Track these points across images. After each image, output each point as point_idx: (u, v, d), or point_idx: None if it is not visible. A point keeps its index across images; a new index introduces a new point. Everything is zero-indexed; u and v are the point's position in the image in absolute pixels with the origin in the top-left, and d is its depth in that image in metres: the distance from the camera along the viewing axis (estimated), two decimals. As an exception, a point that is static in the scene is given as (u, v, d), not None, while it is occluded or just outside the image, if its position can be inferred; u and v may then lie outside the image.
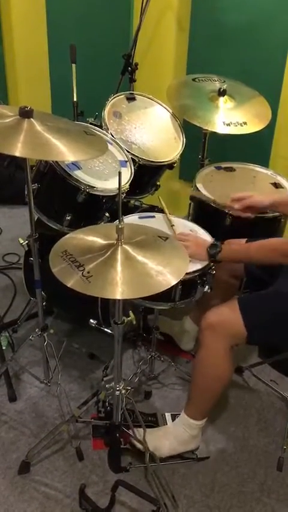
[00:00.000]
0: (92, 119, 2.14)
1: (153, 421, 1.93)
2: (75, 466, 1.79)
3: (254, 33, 2.51)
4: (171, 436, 1.80)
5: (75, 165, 1.85)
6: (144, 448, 1.72)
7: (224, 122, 2.19)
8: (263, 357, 2.27)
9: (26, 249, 1.96)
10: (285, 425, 1.91)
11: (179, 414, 1.81)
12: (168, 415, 1.94)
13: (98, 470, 1.77)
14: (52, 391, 2.05)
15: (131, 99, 2.26)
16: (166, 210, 1.98)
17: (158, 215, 2.01)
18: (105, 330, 2.03)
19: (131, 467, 1.77)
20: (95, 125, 2.08)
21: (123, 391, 1.67)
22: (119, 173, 1.34)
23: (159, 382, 2.14)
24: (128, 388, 1.70)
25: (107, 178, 1.90)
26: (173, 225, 1.91)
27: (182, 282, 1.67)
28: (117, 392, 1.66)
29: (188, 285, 1.74)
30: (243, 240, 1.85)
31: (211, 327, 1.65)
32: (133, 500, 1.68)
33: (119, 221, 1.36)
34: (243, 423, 2.00)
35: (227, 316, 1.64)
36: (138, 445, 1.76)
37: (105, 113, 2.12)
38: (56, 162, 1.79)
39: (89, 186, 1.80)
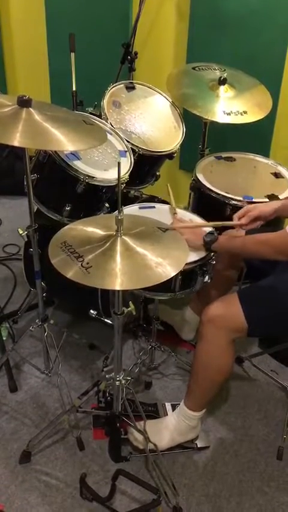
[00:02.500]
0: (91, 109, 2.12)
1: (154, 411, 1.93)
2: (75, 456, 1.80)
3: (255, 22, 2.48)
4: (170, 427, 1.80)
5: (75, 155, 1.84)
6: (144, 437, 1.73)
7: (224, 111, 2.17)
8: (263, 347, 2.28)
9: (26, 239, 1.96)
10: (285, 415, 1.91)
11: (179, 404, 1.82)
12: (168, 405, 1.95)
13: (98, 460, 1.79)
14: (53, 382, 2.06)
15: (130, 88, 2.24)
16: (172, 199, 1.96)
17: (158, 205, 2.01)
18: (106, 320, 2.04)
19: (131, 457, 1.78)
20: (94, 115, 2.07)
21: (123, 382, 1.68)
22: (119, 163, 1.33)
23: (159, 372, 2.15)
24: (128, 378, 1.71)
25: (106, 168, 1.89)
26: (175, 213, 1.90)
27: (182, 273, 1.66)
28: (118, 383, 1.67)
29: (188, 276, 1.74)
30: (243, 232, 1.84)
31: (212, 321, 1.65)
32: (134, 489, 1.69)
33: (119, 212, 1.36)
34: (243, 413, 2.00)
35: (228, 309, 1.64)
36: (138, 437, 1.76)
37: (105, 102, 2.10)
38: (55, 152, 1.78)
39: (88, 176, 1.79)
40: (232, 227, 1.83)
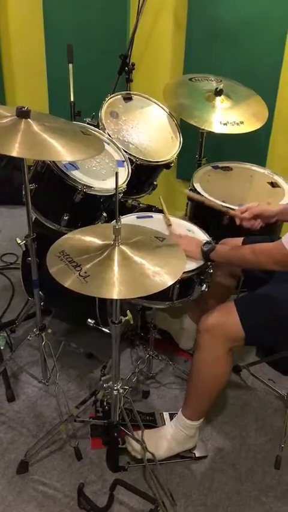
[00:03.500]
0: (89, 119, 2.14)
1: (152, 420, 1.93)
2: (73, 466, 1.79)
3: (250, 33, 2.51)
4: (168, 436, 1.80)
5: (73, 165, 1.86)
6: (142, 447, 1.73)
7: (220, 122, 2.19)
8: (261, 356, 2.28)
9: (24, 249, 1.97)
10: (283, 424, 1.92)
11: (177, 413, 1.82)
12: (166, 414, 1.95)
13: (96, 470, 1.78)
14: (50, 391, 2.05)
15: (127, 99, 2.26)
16: (165, 210, 1.98)
17: (156, 215, 2.02)
18: (103, 329, 2.04)
19: (129, 467, 1.78)
20: (92, 125, 2.09)
21: (121, 391, 1.68)
22: (116, 173, 1.35)
23: (157, 381, 2.15)
24: (126, 387, 1.71)
25: (104, 178, 1.90)
26: (170, 225, 1.92)
27: (180, 281, 1.67)
28: (115, 392, 1.67)
29: (185, 284, 1.75)
30: (240, 240, 1.85)
31: (209, 330, 1.65)
32: (132, 499, 1.68)
33: (116, 221, 1.37)
34: (240, 422, 2.00)
35: (225, 318, 1.64)
36: (136, 446, 1.76)
37: (102, 112, 2.12)
38: (53, 162, 1.80)
39: (86, 186, 1.80)
40: (229, 236, 1.85)
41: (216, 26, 2.58)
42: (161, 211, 2.10)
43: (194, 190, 2.15)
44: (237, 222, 1.84)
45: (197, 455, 1.84)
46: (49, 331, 2.01)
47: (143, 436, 1.75)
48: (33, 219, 1.81)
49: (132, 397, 2.00)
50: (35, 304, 1.94)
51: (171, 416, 1.90)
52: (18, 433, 1.89)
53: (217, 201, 2.00)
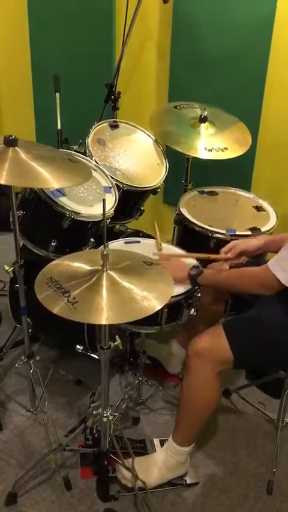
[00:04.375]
0: (76, 146, 2.17)
1: (142, 447, 1.91)
2: (63, 496, 1.75)
3: (233, 62, 2.58)
4: (159, 463, 1.78)
5: (60, 191, 1.87)
6: (133, 475, 1.70)
7: (205, 148, 2.23)
8: (250, 379, 2.28)
9: (12, 275, 1.96)
10: (274, 448, 1.90)
11: (168, 439, 1.80)
12: (156, 441, 1.92)
13: (86, 500, 1.75)
14: (39, 420, 2.02)
15: (114, 126, 2.30)
16: (158, 236, 2.00)
17: (144, 240, 2.04)
18: (92, 355, 2.02)
19: (120, 496, 1.74)
20: (79, 152, 2.11)
21: (110, 418, 1.66)
22: (104, 199, 1.36)
23: (147, 407, 2.13)
24: (115, 414, 1.69)
25: (91, 204, 1.92)
26: (161, 249, 1.93)
27: (168, 306, 1.68)
28: (105, 419, 1.65)
29: (174, 308, 1.75)
30: (227, 266, 1.87)
31: (198, 354, 1.65)
32: (122, 530, 1.65)
33: (104, 247, 1.38)
34: (231, 447, 1.99)
35: (214, 342, 1.65)
36: (126, 475, 1.74)
37: (89, 140, 2.15)
38: (41, 189, 1.81)
39: (74, 212, 1.82)
40: (217, 260, 1.86)
41: (199, 56, 2.65)
42: (148, 235, 2.13)
43: (181, 214, 2.17)
44: (224, 265, 1.85)
45: (188, 482, 1.81)
46: (37, 358, 1.99)
47: (134, 464, 1.73)
48: (21, 245, 1.82)
49: (122, 423, 1.98)
50: (23, 331, 1.93)
51: (162, 442, 1.88)
52: (6, 463, 1.85)
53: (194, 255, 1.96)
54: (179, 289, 1.73)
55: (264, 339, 1.63)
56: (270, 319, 1.65)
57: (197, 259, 1.91)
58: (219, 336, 1.64)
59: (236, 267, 1.83)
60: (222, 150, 2.24)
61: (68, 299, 1.31)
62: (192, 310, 1.78)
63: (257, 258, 1.88)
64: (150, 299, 1.34)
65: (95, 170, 2.05)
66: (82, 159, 2.03)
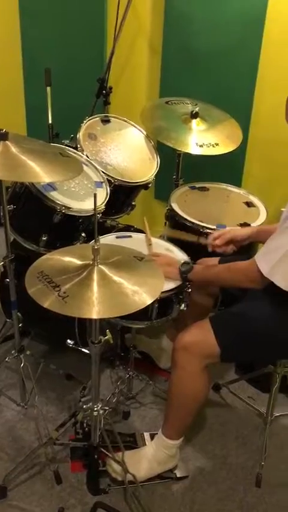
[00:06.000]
0: (68, 141, 2.16)
1: (132, 441, 1.92)
2: (53, 490, 1.76)
3: (225, 58, 2.59)
4: (149, 457, 1.79)
5: (51, 186, 1.87)
6: (123, 468, 1.71)
7: (196, 143, 2.24)
8: (240, 374, 2.30)
9: (2, 270, 1.96)
10: (263, 442, 1.92)
11: (158, 433, 1.81)
12: (147, 435, 1.94)
13: (76, 493, 1.75)
14: (29, 414, 2.03)
15: (105, 121, 2.30)
16: (148, 231, 2.01)
17: (135, 235, 2.04)
18: (83, 349, 2.03)
19: (110, 489, 1.76)
20: (71, 147, 2.11)
21: (101, 412, 1.67)
22: (95, 194, 1.37)
23: (137, 401, 2.14)
24: (106, 408, 1.70)
25: (83, 199, 1.92)
26: (150, 244, 1.94)
27: (159, 301, 1.68)
28: (95, 413, 1.66)
29: (164, 304, 1.76)
30: (217, 260, 1.88)
31: (184, 348, 1.66)
32: (112, 523, 1.66)
33: (95, 242, 1.38)
34: (221, 440, 2.00)
35: (200, 336, 1.66)
36: (116, 468, 1.75)
37: (81, 134, 2.15)
38: (32, 183, 1.81)
39: (65, 206, 1.82)
40: (206, 255, 1.87)
41: (190, 52, 2.65)
42: (139, 230, 2.13)
43: (172, 210, 2.18)
44: (210, 249, 1.87)
45: (178, 476, 1.83)
46: (28, 352, 1.99)
47: (124, 458, 1.73)
48: (11, 239, 1.81)
49: (113, 418, 1.99)
50: (13, 326, 1.92)
51: (152, 436, 1.89)
52: (-4, 457, 1.86)
53: (189, 232, 2.01)
54: (169, 285, 1.74)
55: (251, 333, 1.64)
56: (257, 314, 1.66)
57: (188, 247, 1.91)
58: (206, 329, 1.65)
59: (223, 255, 1.85)
60: (213, 145, 2.25)
61: (58, 293, 1.31)
62: (183, 305, 1.79)
63: (248, 250, 1.89)
64: (141, 293, 1.35)
65: (86, 165, 2.05)
66: (73, 154, 2.03)
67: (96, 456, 1.72)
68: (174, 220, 2.18)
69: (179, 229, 2.14)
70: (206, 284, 1.92)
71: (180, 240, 1.98)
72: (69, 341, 2.03)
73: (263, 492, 1.82)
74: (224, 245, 1.84)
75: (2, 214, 1.74)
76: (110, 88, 2.55)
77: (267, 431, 1.94)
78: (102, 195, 1.98)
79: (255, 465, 1.89)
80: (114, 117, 2.34)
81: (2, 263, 1.80)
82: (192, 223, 2.09)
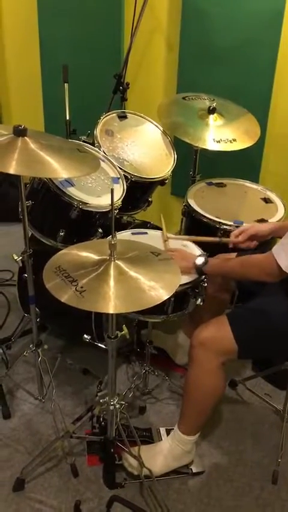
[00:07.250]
0: (85, 137, 2.17)
1: (148, 436, 1.93)
2: (70, 483, 1.78)
3: (242, 53, 2.57)
4: (165, 452, 1.79)
5: (68, 182, 1.88)
6: (139, 463, 1.72)
7: (214, 139, 2.23)
8: (257, 370, 2.29)
9: (20, 265, 1.98)
10: (279, 439, 1.91)
11: (174, 428, 1.81)
12: (163, 430, 1.94)
13: (92, 487, 1.77)
14: (46, 408, 2.05)
15: (122, 117, 2.30)
16: (164, 227, 2.01)
17: (151, 231, 2.04)
18: (99, 344, 2.04)
19: (126, 483, 1.77)
20: (88, 143, 2.12)
21: (117, 406, 1.68)
22: (112, 190, 1.37)
23: (153, 396, 2.15)
24: (122, 403, 1.71)
25: (99, 194, 1.93)
26: (166, 240, 1.94)
27: (174, 295, 1.68)
28: (112, 407, 1.67)
29: (180, 298, 1.76)
30: (234, 255, 1.87)
31: (202, 344, 1.66)
32: (128, 516, 1.67)
33: (112, 237, 1.39)
34: (237, 437, 2.00)
35: (218, 332, 1.65)
36: (132, 462, 1.76)
37: (98, 131, 2.16)
38: (50, 179, 1.82)
39: (82, 202, 1.83)
40: (223, 251, 1.87)
41: (208, 48, 2.64)
42: (156, 227, 2.13)
43: (188, 206, 2.18)
44: (230, 245, 1.86)
45: (194, 471, 1.83)
46: (45, 347, 2.01)
47: (140, 452, 1.74)
48: (29, 235, 1.83)
49: (129, 412, 2.00)
50: (31, 320, 1.94)
51: (168, 431, 1.90)
52: (14, 450, 1.88)
53: (206, 231, 1.99)
54: (185, 279, 1.73)
55: (268, 329, 1.64)
56: (275, 310, 1.65)
57: (207, 245, 1.90)
58: (224, 325, 1.65)
59: (245, 251, 1.84)
60: (230, 141, 2.24)
61: (76, 288, 1.32)
62: (199, 299, 1.79)
63: (264, 245, 1.88)
64: (157, 289, 1.35)
65: (103, 161, 2.06)
66: (90, 150, 2.04)
67: (112, 450, 1.73)
68: (191, 217, 2.17)
69: (196, 227, 2.14)
70: (223, 278, 1.91)
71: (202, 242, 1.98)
72: (86, 336, 2.04)
73: (279, 489, 1.81)
74: (246, 241, 1.83)
75: (20, 210, 1.75)
76: (127, 84, 2.55)
77: (284, 429, 1.93)
78: (119, 191, 1.98)
79: (272, 462, 1.88)
80: (131, 113, 2.34)
81: (21, 258, 1.82)
82: (209, 219, 2.09)
